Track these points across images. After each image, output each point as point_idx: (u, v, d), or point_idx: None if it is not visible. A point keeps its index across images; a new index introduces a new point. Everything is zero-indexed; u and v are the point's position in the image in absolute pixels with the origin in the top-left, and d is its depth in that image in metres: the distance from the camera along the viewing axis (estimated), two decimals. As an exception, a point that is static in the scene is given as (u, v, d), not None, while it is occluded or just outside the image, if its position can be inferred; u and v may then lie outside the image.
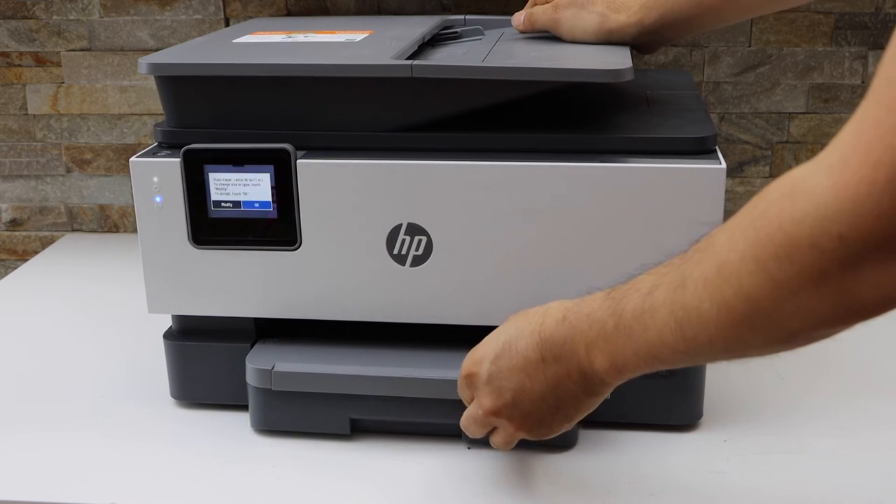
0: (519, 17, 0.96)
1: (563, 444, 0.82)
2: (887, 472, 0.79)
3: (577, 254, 0.79)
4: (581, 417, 0.68)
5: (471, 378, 0.70)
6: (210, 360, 0.88)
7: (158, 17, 1.28)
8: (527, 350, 0.66)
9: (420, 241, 0.80)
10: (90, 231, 1.39)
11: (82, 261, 1.29)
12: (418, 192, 0.79)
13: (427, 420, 0.82)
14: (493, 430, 0.72)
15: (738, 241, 0.51)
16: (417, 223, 0.80)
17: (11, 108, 1.34)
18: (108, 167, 1.36)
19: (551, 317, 0.66)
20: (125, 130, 1.34)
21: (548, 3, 0.94)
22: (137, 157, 0.82)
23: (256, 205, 0.81)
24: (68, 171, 1.36)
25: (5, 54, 1.32)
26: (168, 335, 0.89)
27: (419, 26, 0.98)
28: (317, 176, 0.80)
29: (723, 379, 0.90)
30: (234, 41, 0.92)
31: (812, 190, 0.46)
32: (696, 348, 0.55)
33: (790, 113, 1.25)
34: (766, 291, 0.49)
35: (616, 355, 0.61)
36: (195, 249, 0.83)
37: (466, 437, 0.77)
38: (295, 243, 0.82)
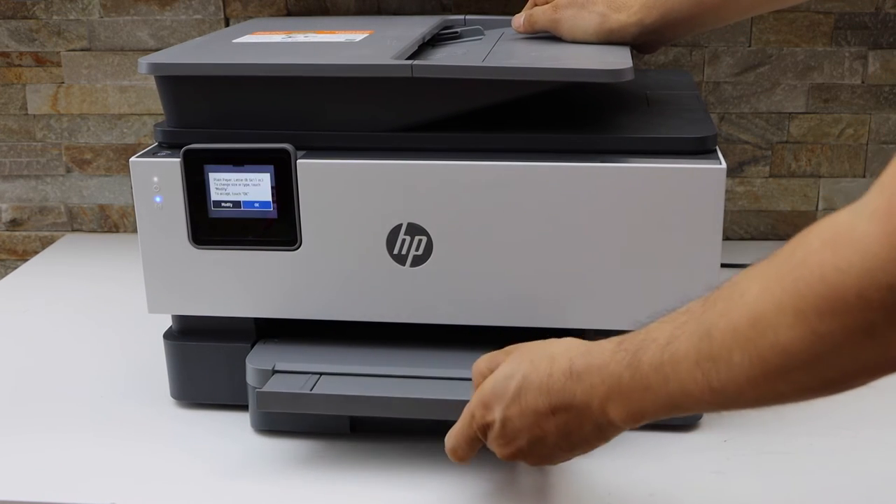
0: (519, 20, 0.96)
1: (563, 444, 0.82)
2: (887, 472, 0.79)
3: (577, 254, 0.79)
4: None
5: (484, 428, 0.69)
6: (210, 360, 0.88)
7: (158, 17, 1.28)
8: (536, 404, 0.64)
9: (420, 241, 0.80)
10: (90, 231, 1.39)
11: (82, 261, 1.29)
12: (418, 192, 0.79)
13: (427, 420, 0.82)
14: None
15: (774, 291, 0.48)
16: (417, 223, 0.80)
17: (11, 108, 1.34)
18: (108, 167, 1.36)
19: (558, 368, 0.64)
20: (125, 130, 1.34)
21: (547, 3, 0.94)
22: (137, 157, 0.82)
23: (256, 205, 0.81)
24: (68, 171, 1.36)
25: (5, 54, 1.32)
26: (168, 335, 0.89)
27: (419, 26, 0.98)
28: (317, 176, 0.80)
29: (723, 379, 0.90)
30: (234, 41, 0.92)
31: (857, 238, 0.44)
32: (724, 399, 0.53)
33: (790, 113, 1.25)
34: (807, 345, 0.47)
35: (633, 406, 0.59)
36: (195, 249, 0.83)
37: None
38: (295, 243, 0.82)
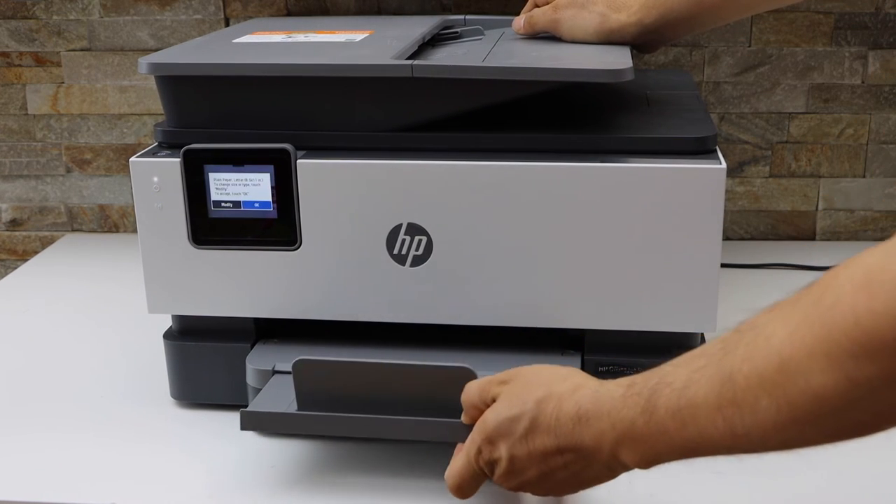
0: (519, 22, 0.96)
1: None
2: (887, 472, 0.79)
3: (577, 254, 0.79)
4: None
5: (490, 464, 0.67)
6: (210, 360, 0.88)
7: (158, 17, 1.28)
8: (544, 445, 0.63)
9: (420, 241, 0.80)
10: (90, 231, 1.39)
11: (82, 261, 1.29)
12: (418, 192, 0.79)
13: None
14: None
15: (804, 336, 0.47)
16: (417, 223, 0.80)
17: (11, 108, 1.34)
18: (108, 167, 1.36)
19: (565, 413, 0.62)
20: (125, 130, 1.34)
21: (547, 4, 0.94)
22: (137, 157, 0.82)
23: (256, 205, 0.81)
24: (68, 171, 1.36)
25: (5, 54, 1.32)
26: (168, 335, 0.89)
27: (419, 26, 0.98)
28: (317, 176, 0.80)
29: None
30: (234, 41, 0.92)
31: (891, 280, 0.43)
32: (746, 444, 0.52)
33: (790, 113, 1.25)
34: (840, 390, 0.46)
35: (647, 451, 0.58)
36: (195, 249, 0.83)
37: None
38: (295, 243, 0.82)
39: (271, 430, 0.78)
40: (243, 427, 0.77)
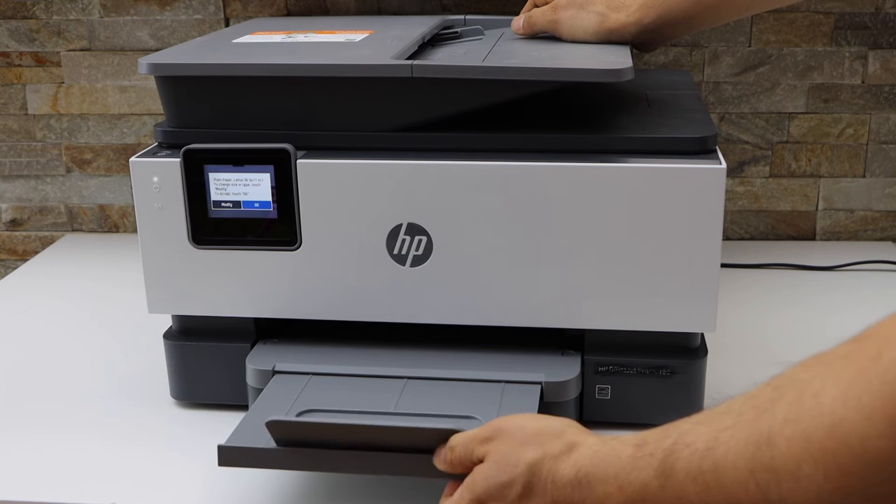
0: (518, 22, 0.96)
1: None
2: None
3: (577, 254, 0.79)
4: None
5: None
6: (210, 360, 0.88)
7: (158, 17, 1.28)
8: None
9: (420, 241, 0.80)
10: (90, 231, 1.39)
11: (82, 261, 1.29)
12: (418, 192, 0.79)
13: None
14: None
15: (860, 396, 0.43)
16: (417, 223, 0.80)
17: (11, 108, 1.34)
18: (108, 167, 1.36)
19: (561, 476, 0.58)
20: (125, 130, 1.34)
21: (547, 4, 0.94)
22: (137, 157, 0.82)
23: (256, 205, 0.81)
24: (68, 171, 1.36)
25: (5, 54, 1.32)
26: (168, 335, 0.89)
27: (419, 26, 0.98)
28: (317, 176, 0.80)
29: (723, 379, 0.90)
30: (234, 41, 0.92)
31: None
32: None
33: (790, 113, 1.26)
34: None
35: None
36: (195, 249, 0.83)
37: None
38: (295, 243, 0.82)
39: (250, 467, 0.73)
40: (221, 463, 0.72)
